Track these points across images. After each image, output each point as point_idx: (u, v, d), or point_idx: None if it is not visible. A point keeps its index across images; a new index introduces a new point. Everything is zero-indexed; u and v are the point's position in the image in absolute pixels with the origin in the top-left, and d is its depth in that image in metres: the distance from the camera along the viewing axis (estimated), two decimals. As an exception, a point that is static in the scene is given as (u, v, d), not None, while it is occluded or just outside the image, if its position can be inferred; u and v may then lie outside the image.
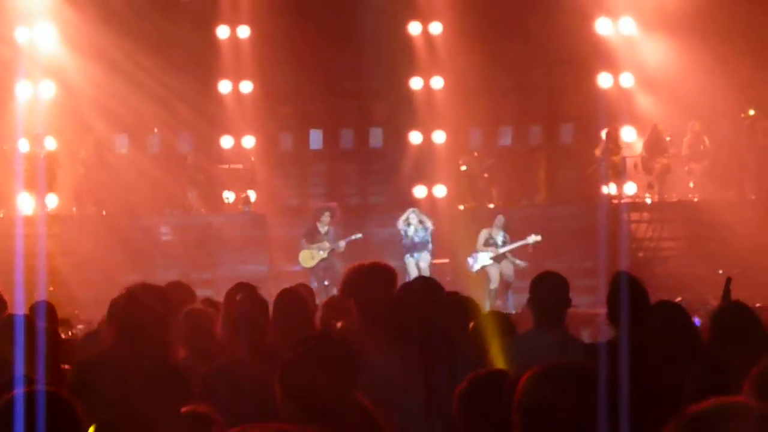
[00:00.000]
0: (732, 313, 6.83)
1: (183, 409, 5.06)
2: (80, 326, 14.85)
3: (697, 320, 11.51)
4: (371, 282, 6.72)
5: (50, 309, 8.51)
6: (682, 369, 5.39)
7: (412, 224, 21.25)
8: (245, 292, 7.61)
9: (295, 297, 7.56)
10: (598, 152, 23.23)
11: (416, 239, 21.18)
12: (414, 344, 6.26)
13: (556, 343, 6.97)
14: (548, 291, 7.37)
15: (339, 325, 7.66)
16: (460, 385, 4.85)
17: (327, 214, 21.50)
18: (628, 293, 6.82)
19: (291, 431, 2.64)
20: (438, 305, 6.47)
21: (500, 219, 21.36)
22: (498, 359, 6.48)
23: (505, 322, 7.78)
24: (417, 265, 21.01)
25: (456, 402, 4.79)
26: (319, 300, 11.14)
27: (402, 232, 21.30)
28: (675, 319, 6.48)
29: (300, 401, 4.49)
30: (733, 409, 2.81)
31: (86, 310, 18.48)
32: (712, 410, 2.82)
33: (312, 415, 4.40)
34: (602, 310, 7.41)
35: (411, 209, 21.53)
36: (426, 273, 20.81)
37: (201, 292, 10.80)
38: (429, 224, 21.31)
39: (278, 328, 7.14)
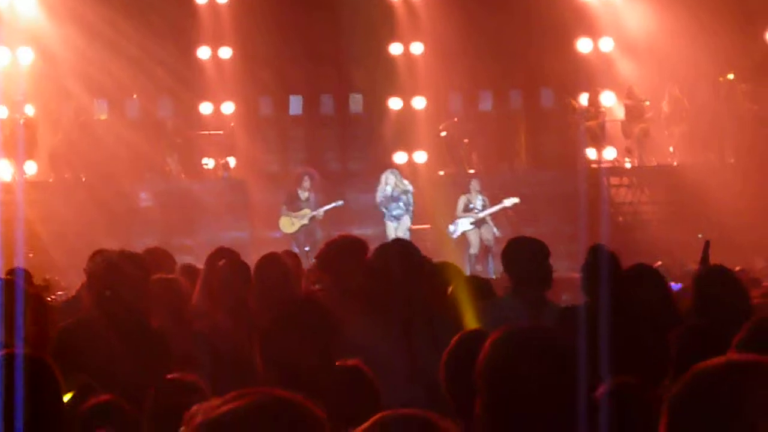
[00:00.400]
0: (714, 279, 6.81)
1: (169, 376, 5.07)
2: (60, 292, 14.83)
3: (676, 285, 11.57)
4: (344, 255, 6.75)
5: (26, 275, 8.50)
6: (659, 333, 5.40)
7: (389, 184, 21.20)
8: (226, 258, 7.61)
9: (276, 263, 7.52)
10: (575, 104, 23.23)
11: (394, 194, 21.08)
12: (392, 310, 6.28)
13: (530, 308, 6.96)
14: (521, 255, 7.34)
15: (317, 287, 7.64)
16: (448, 347, 4.84)
17: (306, 178, 21.47)
18: (604, 265, 6.82)
19: (290, 399, 2.62)
20: (415, 269, 6.49)
21: (475, 183, 21.34)
22: (472, 324, 6.48)
23: (482, 286, 7.78)
24: (396, 231, 20.98)
25: (443, 363, 4.79)
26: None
27: (378, 193, 21.17)
28: (649, 283, 6.51)
29: (279, 367, 4.48)
30: (746, 366, 2.70)
31: (66, 276, 18.44)
32: (724, 366, 2.70)
33: (292, 381, 4.40)
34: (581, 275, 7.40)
35: (389, 170, 21.51)
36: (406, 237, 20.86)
37: (181, 258, 10.79)
38: (409, 186, 21.26)
39: (259, 295, 7.13)
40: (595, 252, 7.15)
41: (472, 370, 3.58)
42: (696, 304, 6.63)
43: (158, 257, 8.25)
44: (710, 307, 6.48)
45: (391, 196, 21.09)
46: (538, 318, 6.85)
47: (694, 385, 2.66)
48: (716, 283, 6.66)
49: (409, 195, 21.20)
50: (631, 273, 6.75)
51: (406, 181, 21.35)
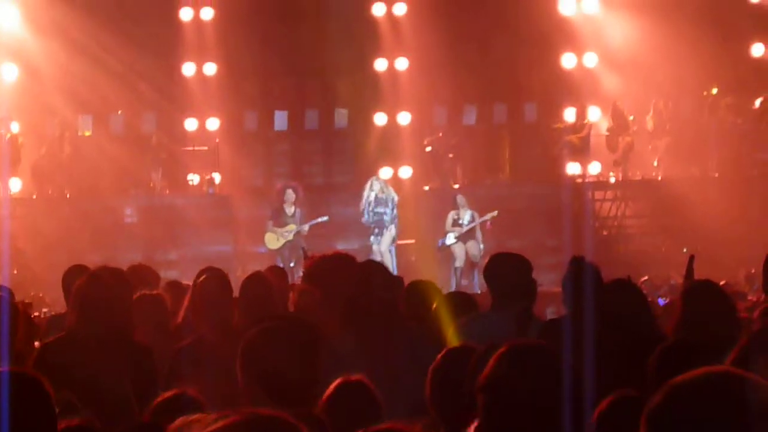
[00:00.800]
0: (702, 293, 6.75)
1: (171, 392, 5.04)
2: (45, 309, 14.81)
3: (662, 300, 11.60)
4: (333, 270, 6.76)
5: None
6: (638, 348, 5.41)
7: (374, 190, 21.22)
8: (209, 274, 7.61)
9: (262, 281, 7.54)
10: (559, 126, 23.30)
11: (380, 197, 21.08)
12: (374, 326, 6.30)
13: (512, 323, 6.93)
14: (503, 270, 7.32)
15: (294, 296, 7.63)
16: (435, 363, 4.85)
17: (290, 191, 21.44)
18: (587, 277, 6.81)
19: (276, 417, 2.62)
20: (397, 287, 6.53)
21: (461, 198, 21.38)
22: (453, 340, 6.48)
23: (466, 301, 7.76)
24: (380, 244, 20.97)
25: (429, 379, 4.80)
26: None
27: (363, 199, 21.16)
28: (628, 298, 6.50)
29: (261, 381, 4.47)
30: (723, 377, 2.68)
31: (50, 293, 18.42)
32: (701, 379, 2.68)
33: (275, 396, 4.39)
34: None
35: (374, 177, 21.54)
36: (390, 254, 20.86)
37: (165, 274, 10.81)
38: (394, 194, 21.28)
39: (244, 313, 7.14)
40: (576, 264, 7.12)
41: (459, 384, 3.60)
42: (684, 319, 6.59)
43: (142, 273, 8.26)
44: (698, 321, 6.44)
45: (376, 199, 21.09)
46: (522, 333, 6.84)
47: (672, 397, 2.67)
48: (704, 298, 6.61)
49: (394, 203, 21.20)
50: (610, 287, 6.74)
51: (391, 188, 21.40)
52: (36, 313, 12.60)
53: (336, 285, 6.66)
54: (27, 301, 12.10)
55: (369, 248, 20.67)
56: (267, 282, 7.57)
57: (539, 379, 3.52)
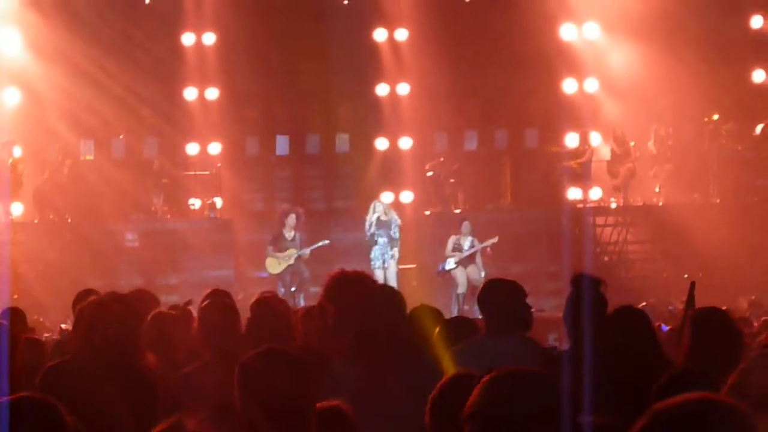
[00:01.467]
0: (710, 320, 6.69)
1: (168, 422, 5.02)
2: (46, 334, 14.79)
3: (665, 327, 11.57)
4: (349, 289, 6.74)
5: (20, 315, 8.54)
6: (645, 377, 5.39)
7: (377, 212, 21.29)
8: (212, 300, 7.60)
9: (271, 308, 7.51)
10: (556, 149, 23.38)
11: (383, 219, 21.15)
12: (377, 353, 6.29)
13: (506, 351, 6.87)
14: (495, 297, 7.28)
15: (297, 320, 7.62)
16: (435, 389, 4.84)
17: (292, 216, 21.49)
18: (587, 298, 6.78)
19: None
20: (402, 314, 6.53)
21: (466, 225, 21.44)
22: (449, 367, 6.46)
23: (467, 327, 7.73)
24: (384, 272, 21.00)
25: (430, 406, 4.79)
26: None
27: (366, 222, 21.25)
28: (635, 326, 6.47)
29: (259, 406, 4.47)
30: (701, 404, 2.76)
31: (51, 317, 18.43)
32: (681, 406, 2.77)
33: (273, 421, 4.38)
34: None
35: (376, 201, 21.61)
36: (393, 278, 20.87)
37: (166, 299, 10.80)
38: (396, 217, 21.35)
39: (254, 340, 7.08)
40: (577, 285, 7.04)
41: (459, 413, 3.59)
42: (693, 347, 6.54)
43: (143, 299, 8.25)
44: (707, 349, 6.39)
45: (378, 221, 21.16)
46: (515, 362, 6.79)
47: (653, 421, 2.74)
48: (713, 326, 6.56)
49: (398, 225, 21.28)
50: (617, 316, 6.71)
51: (393, 212, 21.48)
52: (38, 339, 12.57)
53: (351, 305, 6.63)
54: (29, 326, 12.09)
55: (371, 272, 20.68)
56: (277, 308, 7.55)
57: (523, 406, 3.49)
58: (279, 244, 21.35)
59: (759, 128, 23.48)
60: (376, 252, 21.17)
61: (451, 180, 23.82)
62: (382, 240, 21.13)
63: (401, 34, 23.95)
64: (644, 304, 18.91)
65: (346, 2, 24.00)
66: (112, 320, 6.29)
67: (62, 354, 7.15)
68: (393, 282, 20.46)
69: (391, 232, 21.18)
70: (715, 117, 23.69)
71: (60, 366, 6.34)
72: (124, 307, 6.44)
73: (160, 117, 23.34)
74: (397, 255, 21.27)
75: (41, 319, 17.97)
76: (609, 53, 23.79)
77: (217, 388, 6.50)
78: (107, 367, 6.18)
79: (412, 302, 9.04)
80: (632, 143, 23.45)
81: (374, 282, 7.03)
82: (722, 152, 23.41)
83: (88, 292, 8.05)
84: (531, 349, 7.08)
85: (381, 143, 24.08)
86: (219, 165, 23.73)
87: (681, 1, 22.21)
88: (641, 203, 23.71)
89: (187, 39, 23.79)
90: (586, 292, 6.89)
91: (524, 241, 22.22)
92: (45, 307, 19.13)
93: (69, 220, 22.56)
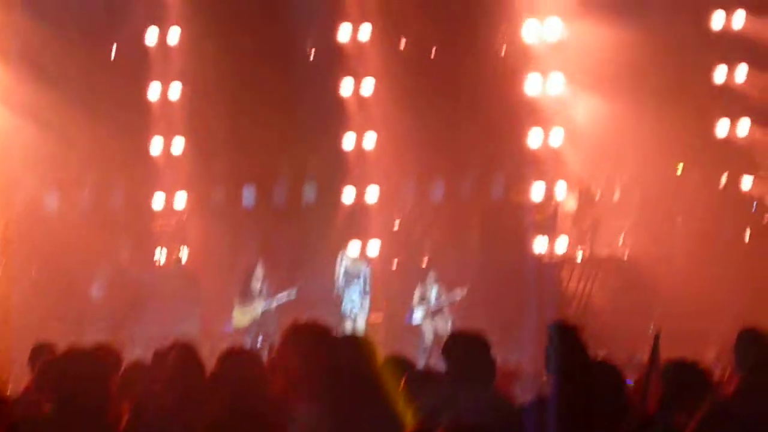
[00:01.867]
0: (682, 373, 6.69)
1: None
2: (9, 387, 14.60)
3: (628, 380, 11.55)
4: (311, 340, 6.72)
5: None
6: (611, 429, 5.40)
7: (344, 264, 21.26)
8: (177, 351, 7.54)
9: (246, 360, 7.40)
10: (520, 199, 23.47)
11: (351, 270, 21.11)
12: (342, 402, 6.27)
13: (469, 404, 6.84)
14: (458, 351, 7.26)
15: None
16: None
17: (259, 268, 21.43)
18: (563, 347, 6.78)
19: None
20: (369, 364, 6.50)
21: (431, 275, 21.44)
22: (410, 421, 6.44)
23: (431, 381, 7.70)
24: (353, 323, 20.95)
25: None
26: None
27: (336, 276, 21.22)
28: (606, 382, 6.47)
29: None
30: None
31: (13, 371, 18.21)
32: None
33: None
34: (531, 366, 7.38)
35: (341, 252, 21.58)
36: (362, 329, 20.81)
37: (132, 351, 10.72)
38: (364, 268, 21.31)
39: (221, 395, 6.96)
40: (556, 333, 7.05)
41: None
42: (664, 398, 6.54)
43: (107, 355, 8.17)
44: (678, 400, 6.41)
45: (346, 273, 21.13)
46: (479, 412, 6.77)
47: None
48: (683, 377, 6.58)
49: (366, 276, 21.22)
50: (588, 370, 6.71)
51: (361, 262, 21.45)
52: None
53: (313, 355, 6.60)
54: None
55: (339, 323, 20.62)
56: (246, 359, 7.45)
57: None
58: (245, 296, 21.26)
59: (723, 179, 23.62)
60: (346, 304, 21.12)
61: (418, 230, 23.82)
62: (351, 291, 21.08)
63: (368, 84, 23.98)
64: (603, 354, 18.89)
65: (311, 59, 24.06)
66: (79, 380, 6.23)
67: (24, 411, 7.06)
68: (361, 333, 20.40)
69: (361, 285, 21.13)
70: (680, 168, 23.81)
71: (31, 425, 6.27)
72: (90, 365, 6.38)
73: (126, 168, 23.29)
74: (367, 306, 21.22)
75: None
76: (574, 104, 23.90)
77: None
78: (76, 424, 6.12)
79: (379, 353, 9.01)
80: (598, 194, 23.53)
81: (329, 330, 6.99)
82: (687, 203, 23.51)
83: (44, 347, 7.98)
84: (494, 402, 7.06)
85: (348, 193, 24.08)
86: (185, 217, 23.66)
87: (645, 53, 22.36)
88: (606, 254, 23.75)
89: (154, 90, 23.76)
90: (563, 340, 6.90)
91: (491, 293, 22.21)
92: (6, 361, 18.89)
93: (32, 273, 22.41)
